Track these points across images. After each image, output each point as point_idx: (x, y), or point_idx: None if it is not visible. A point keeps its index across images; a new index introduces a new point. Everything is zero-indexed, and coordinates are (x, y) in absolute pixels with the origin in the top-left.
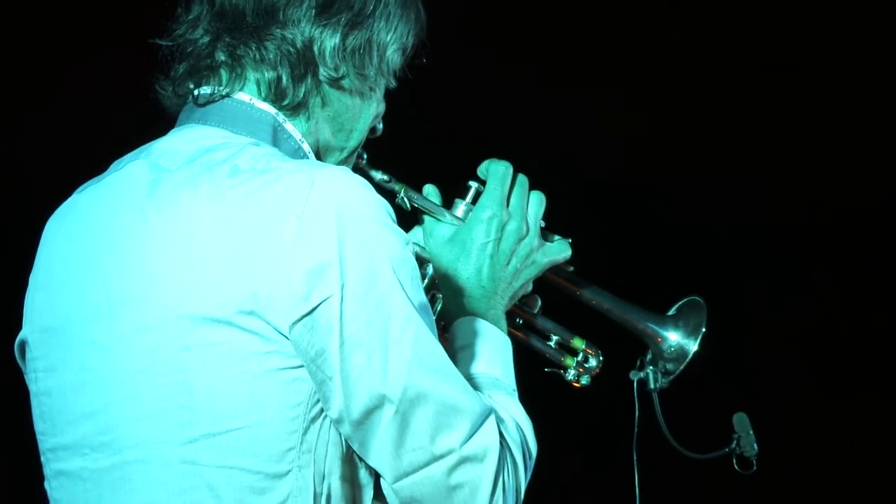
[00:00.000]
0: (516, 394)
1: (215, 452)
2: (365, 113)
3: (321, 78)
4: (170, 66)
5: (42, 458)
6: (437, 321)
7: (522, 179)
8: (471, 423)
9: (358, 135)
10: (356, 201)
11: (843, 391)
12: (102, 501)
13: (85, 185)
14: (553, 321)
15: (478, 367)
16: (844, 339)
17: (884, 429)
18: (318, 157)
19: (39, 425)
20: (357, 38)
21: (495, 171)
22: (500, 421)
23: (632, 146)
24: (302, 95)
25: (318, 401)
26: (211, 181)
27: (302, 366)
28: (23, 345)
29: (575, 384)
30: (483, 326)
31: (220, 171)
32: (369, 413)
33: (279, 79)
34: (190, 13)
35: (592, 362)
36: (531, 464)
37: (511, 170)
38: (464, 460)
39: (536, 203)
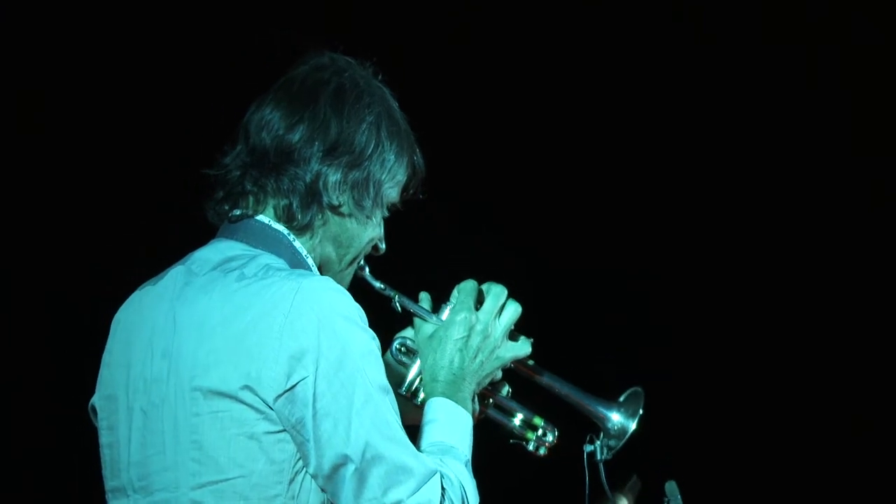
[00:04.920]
0: (465, 459)
1: (217, 496)
2: (361, 234)
3: (324, 205)
4: (213, 190)
5: (106, 496)
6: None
7: (498, 290)
8: (416, 480)
9: (354, 251)
10: (332, 304)
11: None
12: None
13: (144, 283)
14: (518, 403)
15: (438, 437)
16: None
17: None
18: (321, 268)
19: (104, 471)
20: (355, 176)
21: (464, 287)
22: (444, 478)
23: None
24: (308, 219)
25: (300, 458)
26: (222, 285)
27: (285, 430)
28: (93, 408)
29: (534, 454)
30: (449, 406)
31: (231, 277)
32: (336, 469)
33: (290, 205)
34: (234, 149)
35: (549, 437)
36: None
37: (476, 285)
38: None
39: (511, 311)
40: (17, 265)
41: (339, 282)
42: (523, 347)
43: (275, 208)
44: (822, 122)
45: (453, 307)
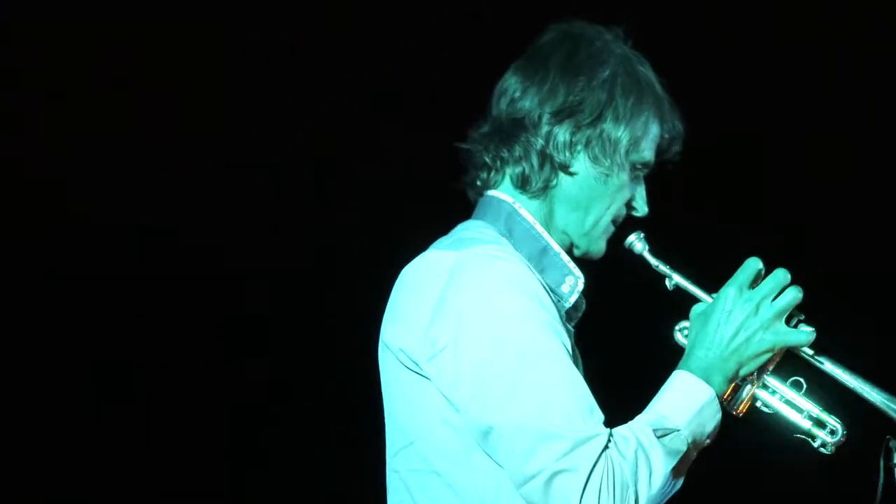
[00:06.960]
0: (669, 430)
1: (406, 461)
2: (602, 194)
3: (556, 167)
4: (465, 167)
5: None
6: None
7: (779, 274)
8: (564, 446)
9: (597, 212)
10: (484, 272)
11: None
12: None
13: None
14: (807, 396)
15: (654, 407)
16: None
17: None
18: (557, 234)
19: None
20: (587, 134)
21: (745, 265)
22: (609, 446)
23: None
24: (542, 183)
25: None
26: (423, 257)
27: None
28: None
29: (821, 452)
30: (688, 379)
31: (437, 249)
32: (483, 436)
33: (524, 171)
34: (480, 123)
35: (838, 435)
36: (642, 484)
37: (759, 264)
38: (556, 474)
39: (790, 296)
40: (16, 265)
41: (588, 244)
42: (801, 336)
43: (511, 177)
44: (839, 120)
45: (726, 283)
